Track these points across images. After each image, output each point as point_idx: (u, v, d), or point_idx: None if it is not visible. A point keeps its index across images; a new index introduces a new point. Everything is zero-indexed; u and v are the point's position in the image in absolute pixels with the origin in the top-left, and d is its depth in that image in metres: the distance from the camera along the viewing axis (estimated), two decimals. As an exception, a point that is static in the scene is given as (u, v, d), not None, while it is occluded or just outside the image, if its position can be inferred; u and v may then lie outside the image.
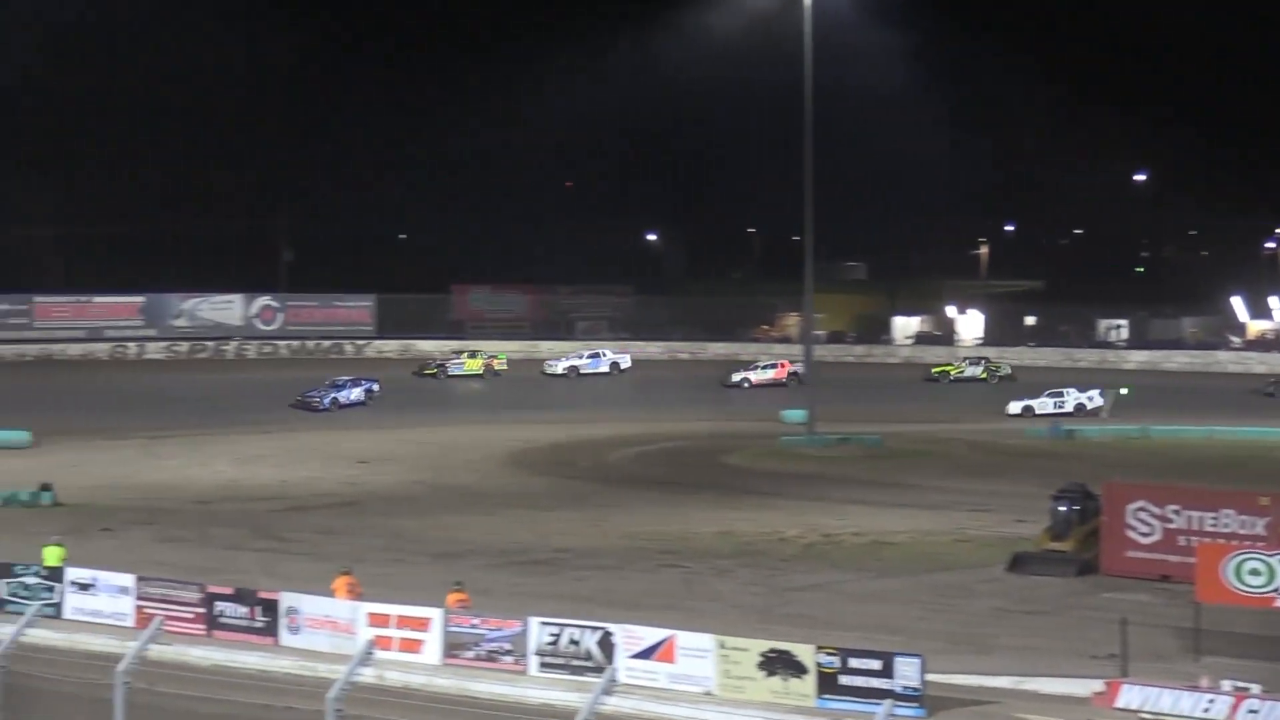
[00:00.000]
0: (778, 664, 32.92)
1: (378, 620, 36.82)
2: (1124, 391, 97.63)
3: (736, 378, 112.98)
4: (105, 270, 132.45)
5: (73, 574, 41.27)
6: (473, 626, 36.14)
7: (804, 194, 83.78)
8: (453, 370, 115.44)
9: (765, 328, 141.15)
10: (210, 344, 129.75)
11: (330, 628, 37.43)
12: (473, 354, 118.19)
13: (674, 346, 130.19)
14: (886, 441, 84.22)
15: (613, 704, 22.74)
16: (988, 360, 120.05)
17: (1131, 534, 46.65)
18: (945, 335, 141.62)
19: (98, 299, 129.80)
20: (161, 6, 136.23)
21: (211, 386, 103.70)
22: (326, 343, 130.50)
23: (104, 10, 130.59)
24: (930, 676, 32.30)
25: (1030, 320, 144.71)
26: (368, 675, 24.95)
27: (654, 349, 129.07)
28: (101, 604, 40.41)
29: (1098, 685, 33.14)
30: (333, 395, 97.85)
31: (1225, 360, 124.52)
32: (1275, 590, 36.95)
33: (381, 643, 34.83)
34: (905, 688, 31.81)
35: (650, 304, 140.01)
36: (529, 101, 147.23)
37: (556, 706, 31.82)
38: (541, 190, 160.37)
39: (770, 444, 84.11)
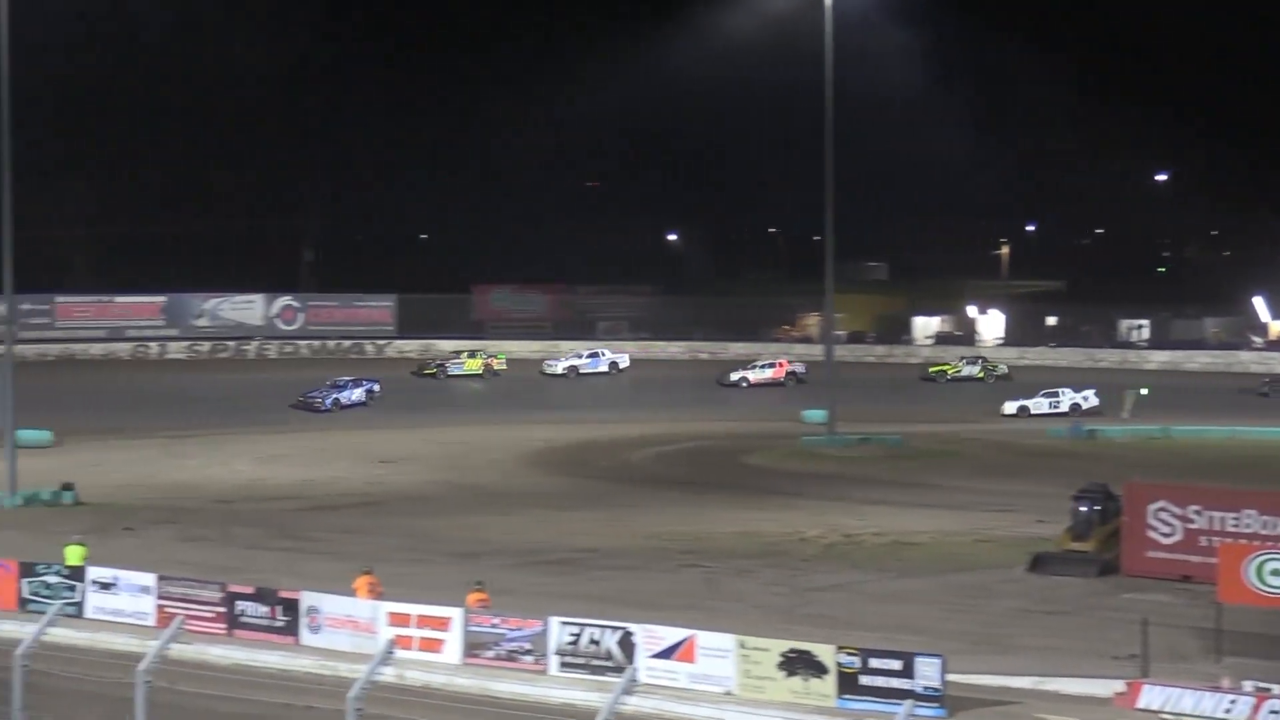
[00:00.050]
0: (798, 664, 32.92)
1: (398, 620, 36.86)
2: (1144, 392, 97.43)
3: (735, 377, 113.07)
4: (127, 270, 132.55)
5: (94, 573, 41.37)
6: (493, 626, 36.17)
7: (825, 194, 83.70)
8: (452, 370, 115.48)
9: (786, 328, 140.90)
10: (231, 344, 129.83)
11: (351, 627, 37.47)
12: (472, 354, 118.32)
13: (695, 346, 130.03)
14: (907, 441, 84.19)
15: (633, 704, 22.75)
16: (984, 359, 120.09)
17: (1153, 534, 46.56)
18: (966, 335, 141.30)
19: (119, 299, 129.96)
20: (186, 6, 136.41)
21: (232, 386, 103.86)
22: (347, 343, 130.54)
23: (129, 10, 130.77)
24: (951, 677, 32.29)
25: (1051, 320, 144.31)
26: (388, 675, 24.98)
27: (675, 349, 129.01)
28: (123, 603, 40.49)
29: (1119, 686, 33.11)
30: (334, 396, 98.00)
31: (1247, 360, 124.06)
32: (1297, 591, 36.91)
33: (402, 642, 34.89)
34: (926, 688, 31.79)
35: (671, 304, 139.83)
36: (551, 101, 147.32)
37: (577, 706, 31.86)
38: (563, 190, 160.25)
39: (791, 444, 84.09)
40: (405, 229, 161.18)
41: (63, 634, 32.61)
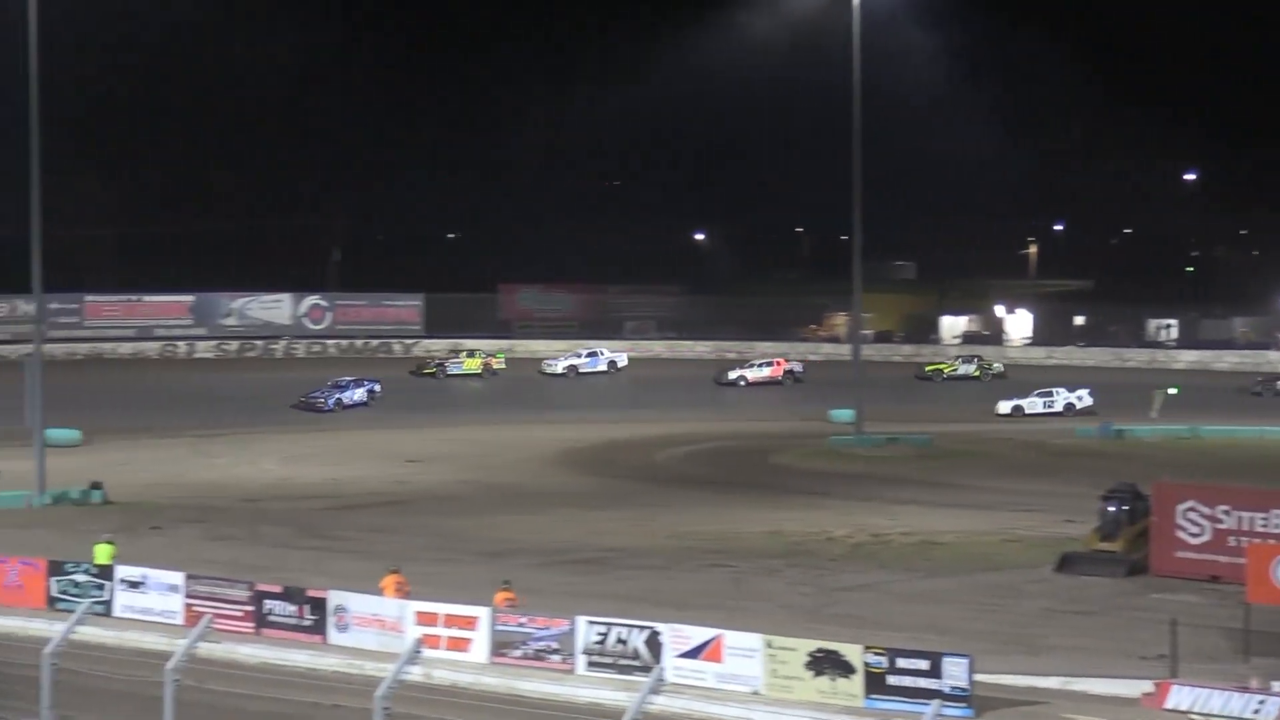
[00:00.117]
0: (825, 664, 32.87)
1: (425, 619, 36.87)
2: (1173, 391, 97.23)
3: (732, 375, 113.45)
4: (155, 269, 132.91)
5: (123, 572, 41.44)
6: (520, 625, 36.17)
7: (853, 193, 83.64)
8: (451, 369, 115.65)
9: (814, 327, 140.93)
10: (259, 343, 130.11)
11: (378, 626, 37.50)
12: (471, 353, 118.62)
13: (723, 346, 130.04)
14: (935, 441, 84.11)
15: (660, 703, 22.75)
16: (980, 358, 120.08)
17: (1181, 534, 46.42)
18: (994, 335, 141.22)
19: (148, 298, 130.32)
20: (219, 5, 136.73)
21: (260, 386, 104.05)
22: (375, 342, 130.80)
23: (157, 10, 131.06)
24: (978, 677, 32.21)
25: (1079, 320, 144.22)
26: (415, 674, 24.98)
27: (702, 348, 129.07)
28: (151, 602, 40.56)
29: (1147, 686, 33.01)
30: (336, 396, 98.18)
31: (1276, 360, 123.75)
32: (1327, 591, 36.78)
33: (429, 641, 34.91)
34: (953, 688, 31.73)
35: (699, 303, 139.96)
36: (578, 101, 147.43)
37: (604, 705, 31.82)
38: (590, 190, 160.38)
39: (818, 444, 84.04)
40: (433, 228, 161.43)
41: (91, 632, 32.67)
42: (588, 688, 34.20)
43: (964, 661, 31.99)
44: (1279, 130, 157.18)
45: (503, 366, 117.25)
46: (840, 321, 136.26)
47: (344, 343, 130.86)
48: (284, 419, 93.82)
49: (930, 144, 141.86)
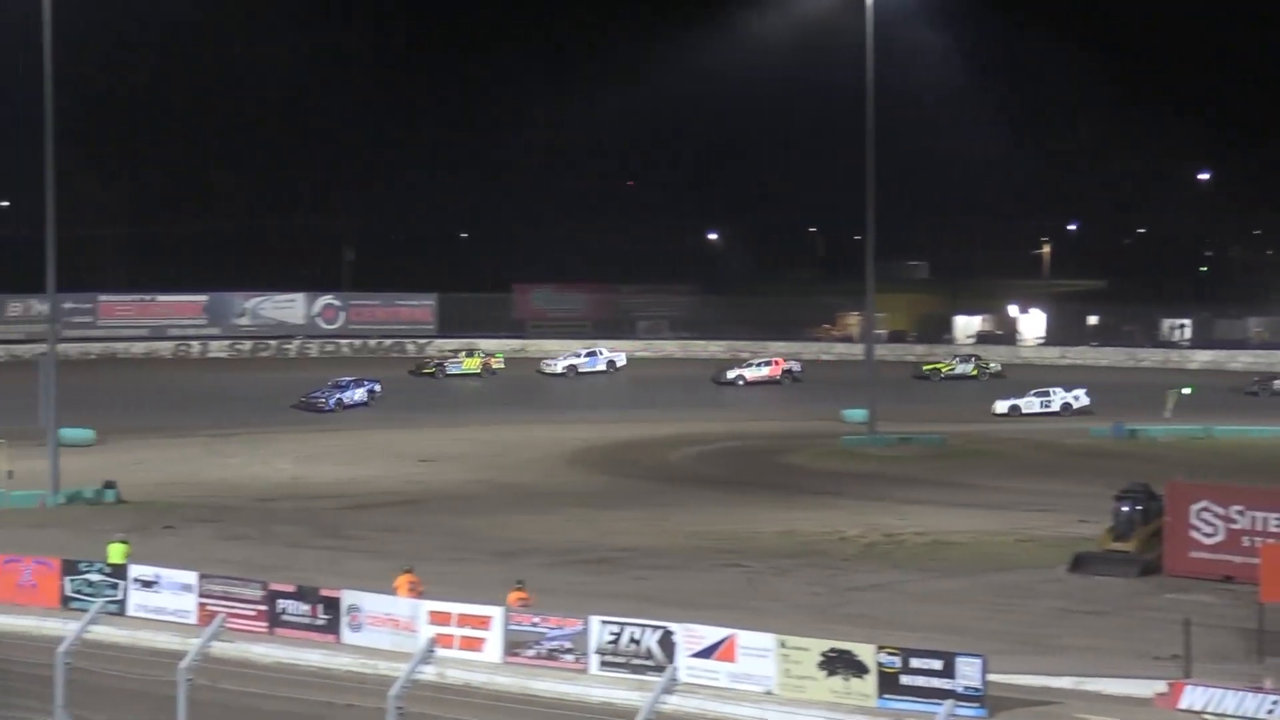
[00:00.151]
0: (839, 663, 32.88)
1: (439, 618, 36.91)
2: (1187, 391, 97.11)
3: (731, 375, 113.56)
4: (169, 269, 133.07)
5: (136, 571, 41.52)
6: (534, 625, 36.21)
7: (866, 193, 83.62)
8: (450, 369, 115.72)
9: (827, 327, 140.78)
10: (273, 343, 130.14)
11: (391, 626, 37.55)
12: (470, 353, 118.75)
13: (736, 346, 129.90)
14: (947, 441, 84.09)
15: (673, 703, 22.74)
16: (978, 357, 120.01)
17: (1195, 534, 46.40)
18: (1007, 335, 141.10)
19: (161, 298, 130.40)
20: (231, 6, 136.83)
21: (274, 385, 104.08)
22: (388, 341, 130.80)
23: (168, 10, 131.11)
24: (992, 677, 32.22)
25: (1093, 320, 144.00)
26: (429, 673, 24.95)
27: (715, 348, 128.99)
28: (165, 601, 40.65)
29: (1160, 686, 32.99)
30: (337, 396, 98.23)
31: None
32: (1340, 591, 36.73)
33: (443, 641, 34.93)
34: (967, 688, 31.74)
35: (712, 303, 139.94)
36: (592, 101, 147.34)
37: (617, 705, 31.84)
38: (604, 190, 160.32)
39: (831, 444, 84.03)
40: (446, 228, 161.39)
41: (105, 632, 32.72)
42: (601, 687, 34.23)
43: (977, 661, 31.99)
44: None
45: (501, 366, 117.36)
46: (853, 321, 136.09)
47: (357, 342, 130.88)
48: (297, 419, 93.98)
49: (943, 144, 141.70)
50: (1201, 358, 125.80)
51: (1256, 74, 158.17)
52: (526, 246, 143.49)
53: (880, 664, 32.53)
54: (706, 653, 34.34)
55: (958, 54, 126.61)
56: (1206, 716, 31.82)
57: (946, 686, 31.65)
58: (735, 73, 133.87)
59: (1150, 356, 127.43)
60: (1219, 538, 45.97)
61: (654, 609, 38.85)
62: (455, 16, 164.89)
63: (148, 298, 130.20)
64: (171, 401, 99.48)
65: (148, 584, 41.06)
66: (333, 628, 38.39)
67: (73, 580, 42.00)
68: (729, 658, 34.10)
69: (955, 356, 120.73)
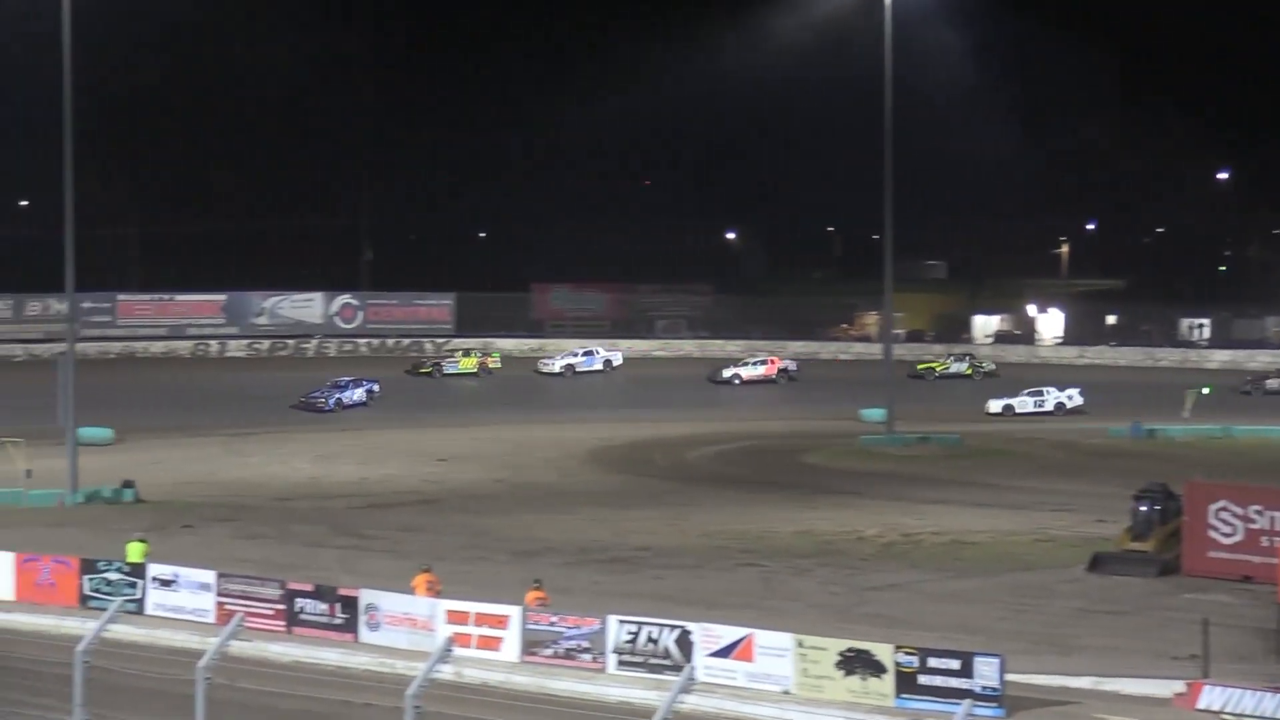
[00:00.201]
0: (856, 663, 32.88)
1: (457, 618, 36.96)
2: (1205, 391, 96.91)
3: (727, 374, 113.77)
4: (187, 269, 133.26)
5: (155, 570, 41.60)
6: (551, 624, 36.23)
7: (884, 192, 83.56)
8: (448, 369, 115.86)
9: (845, 327, 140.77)
10: (291, 342, 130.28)
11: (409, 625, 37.59)
12: (467, 352, 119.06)
13: (754, 345, 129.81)
14: (966, 440, 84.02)
15: (691, 702, 22.70)
16: (972, 356, 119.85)
17: (1213, 534, 46.34)
18: (1025, 334, 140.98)
19: (180, 297, 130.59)
20: (247, 4, 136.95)
21: (292, 384, 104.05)
22: (406, 341, 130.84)
23: (187, 7, 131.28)
24: (1010, 677, 32.19)
25: (1112, 319, 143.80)
26: (446, 672, 24.96)
27: (733, 347, 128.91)
28: (183, 600, 40.72)
29: (1179, 686, 32.95)
30: (337, 396, 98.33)
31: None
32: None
33: (460, 640, 34.96)
34: (984, 688, 31.72)
35: (730, 303, 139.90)
36: (609, 100, 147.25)
37: (634, 704, 31.85)
38: (622, 189, 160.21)
39: (849, 443, 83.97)
40: (465, 228, 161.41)
41: (123, 630, 32.77)
42: (618, 687, 34.24)
43: (995, 661, 31.98)
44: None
45: (498, 366, 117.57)
46: (871, 321, 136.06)
47: (375, 342, 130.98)
48: (313, 419, 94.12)
49: (960, 143, 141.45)
50: (1220, 357, 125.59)
51: (1276, 73, 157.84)
52: (545, 246, 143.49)
53: (898, 664, 32.52)
54: (724, 652, 34.35)
55: (975, 53, 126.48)
56: (1225, 717, 31.77)
57: (964, 686, 31.64)
58: (753, 71, 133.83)
59: (1169, 356, 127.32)
60: (1237, 538, 45.91)
61: (672, 608, 38.88)
62: (474, 16, 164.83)
63: (166, 297, 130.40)
64: (190, 401, 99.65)
65: (166, 583, 41.13)
66: (350, 627, 38.45)
67: (91, 579, 42.09)
68: (747, 657, 34.10)
69: (950, 355, 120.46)
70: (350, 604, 38.61)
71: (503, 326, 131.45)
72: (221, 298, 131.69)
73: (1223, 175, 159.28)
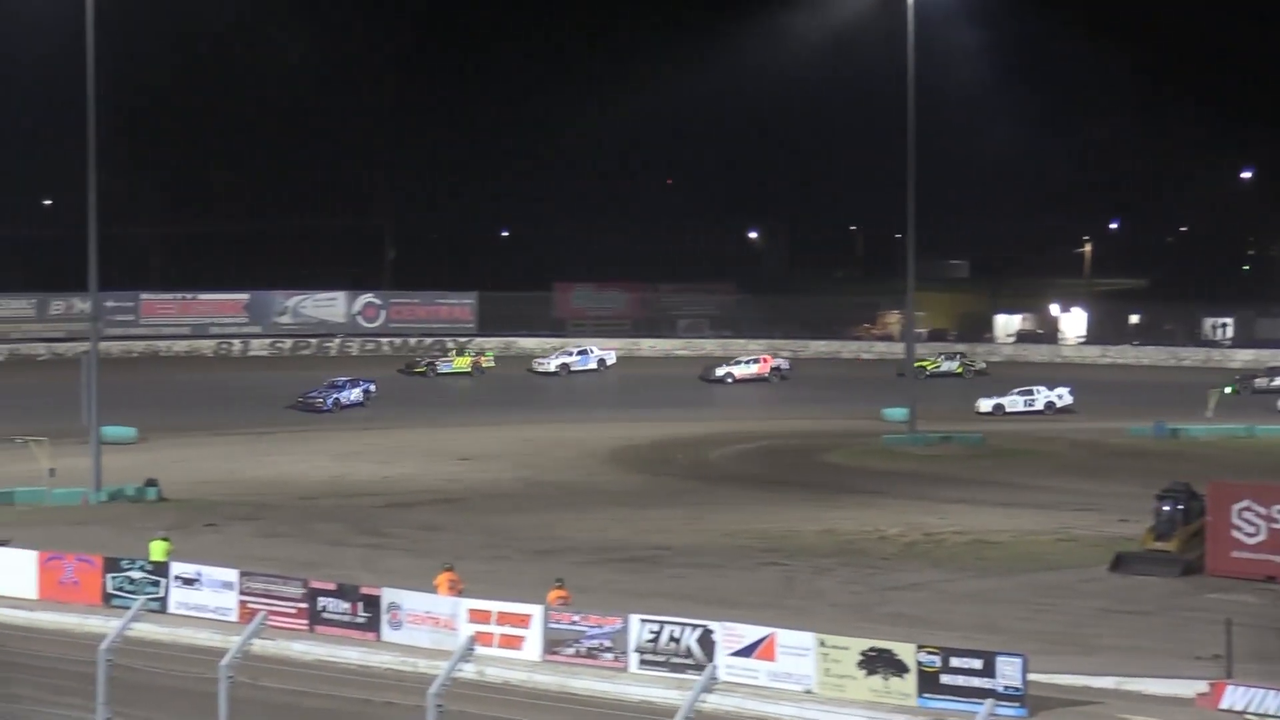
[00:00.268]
0: (878, 663, 32.86)
1: (478, 616, 36.99)
2: (1228, 390, 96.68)
3: (720, 372, 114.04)
4: (210, 268, 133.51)
5: (178, 569, 41.68)
6: (573, 623, 36.24)
7: (907, 191, 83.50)
8: (442, 368, 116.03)
9: (867, 326, 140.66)
10: (313, 341, 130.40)
11: (431, 624, 37.62)
12: (460, 351, 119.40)
13: (776, 344, 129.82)
14: (988, 440, 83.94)
15: (713, 701, 22.79)
16: (963, 355, 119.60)
17: (1237, 534, 46.23)
18: (1048, 334, 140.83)
19: (203, 296, 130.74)
20: (271, 2, 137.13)
21: (314, 383, 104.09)
22: (429, 340, 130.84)
23: (212, 6, 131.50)
24: (1032, 676, 32.16)
25: (1135, 319, 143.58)
26: (468, 671, 25.03)
27: (755, 346, 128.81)
28: (206, 598, 40.78)
29: (1202, 686, 32.88)
30: (335, 396, 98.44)
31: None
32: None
33: (482, 639, 35.00)
34: (1007, 687, 31.68)
35: (752, 302, 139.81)
36: (630, 98, 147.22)
37: (656, 704, 31.85)
38: (643, 187, 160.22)
39: (870, 443, 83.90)
40: (487, 227, 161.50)
41: (146, 629, 32.89)
42: (640, 686, 34.26)
43: (1018, 661, 31.94)
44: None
45: (491, 365, 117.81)
46: (893, 320, 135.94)
47: (398, 341, 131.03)
48: (333, 418, 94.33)
49: (984, 142, 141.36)
50: (1243, 356, 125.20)
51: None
52: (567, 245, 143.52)
53: (920, 663, 32.49)
54: (746, 651, 34.34)
55: (997, 52, 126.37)
56: (1248, 717, 31.71)
57: (987, 686, 31.61)
58: (775, 71, 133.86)
59: (1192, 355, 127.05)
60: (1261, 537, 45.79)
61: (693, 607, 38.89)
62: (498, 16, 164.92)
63: (189, 296, 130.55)
64: (212, 400, 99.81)
65: (189, 581, 41.20)
66: (373, 626, 38.49)
67: (114, 578, 42.18)
68: (768, 656, 34.09)
69: (941, 354, 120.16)
70: (372, 603, 38.65)
71: (525, 326, 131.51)
72: (244, 297, 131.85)
73: (1246, 174, 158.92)
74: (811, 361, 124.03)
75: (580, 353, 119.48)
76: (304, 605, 39.35)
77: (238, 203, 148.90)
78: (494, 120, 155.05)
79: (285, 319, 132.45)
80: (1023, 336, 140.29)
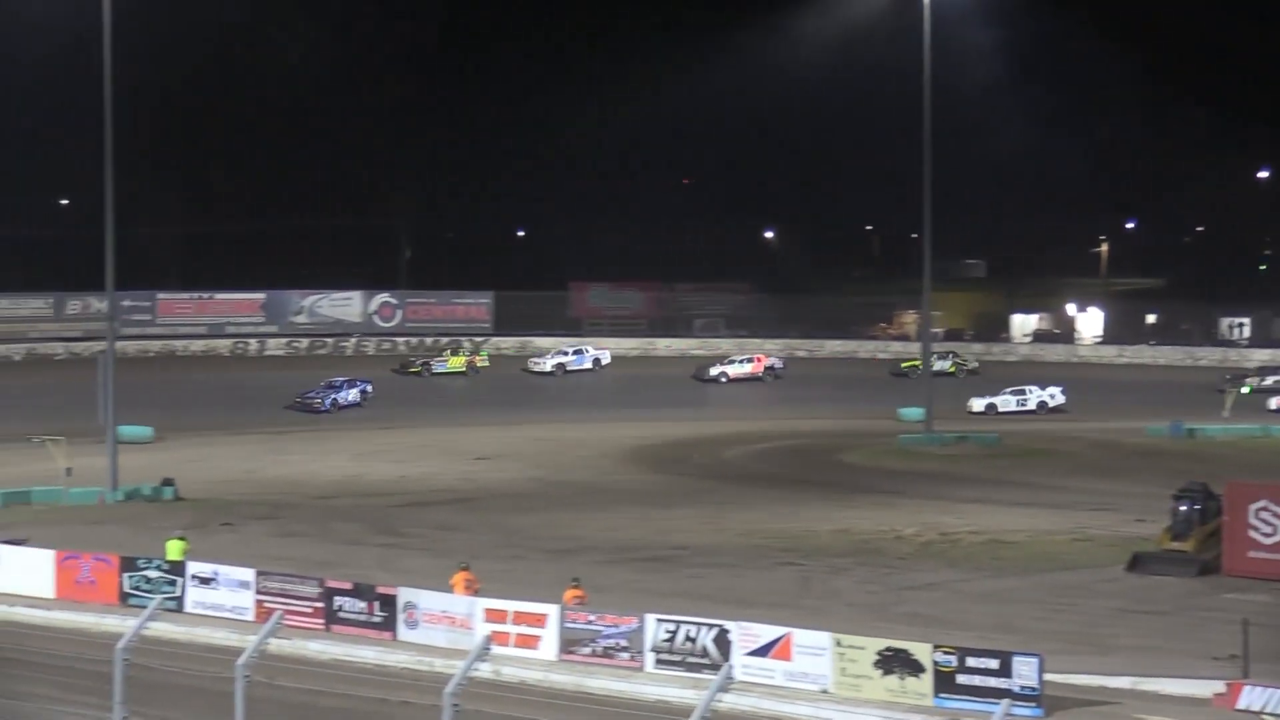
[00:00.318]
0: (894, 662, 32.84)
1: (495, 616, 37.00)
2: (1245, 390, 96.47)
3: (714, 371, 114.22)
4: (226, 267, 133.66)
5: (194, 568, 41.72)
6: (589, 623, 36.24)
7: (923, 191, 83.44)
8: (436, 368, 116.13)
9: (883, 326, 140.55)
10: (330, 340, 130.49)
11: (448, 623, 37.63)
12: (455, 351, 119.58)
13: (792, 344, 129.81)
14: (1004, 440, 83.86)
15: (729, 701, 22.76)
16: (955, 354, 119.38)
17: (1254, 534, 46.16)
18: (1064, 333, 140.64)
19: (219, 296, 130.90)
20: (285, 2, 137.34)
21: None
22: (445, 339, 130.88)
23: (231, 5, 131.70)
24: (1048, 676, 32.13)
25: (1151, 318, 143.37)
26: (484, 670, 25.03)
27: (771, 346, 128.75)
28: (222, 598, 40.82)
29: (1219, 686, 32.84)
30: (332, 397, 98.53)
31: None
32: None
33: (498, 638, 35.01)
34: (1023, 687, 31.65)
35: (768, 301, 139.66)
36: (647, 97, 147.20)
37: (672, 703, 31.85)
38: (660, 187, 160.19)
39: (887, 442, 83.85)
40: (503, 226, 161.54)
41: (163, 628, 32.90)
42: (656, 685, 34.25)
43: (1034, 661, 31.91)
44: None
45: (486, 364, 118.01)
46: (910, 320, 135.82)
47: (414, 340, 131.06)
48: (356, 415, 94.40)
49: (1000, 142, 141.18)
50: (1260, 356, 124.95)
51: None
52: (583, 245, 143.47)
53: (936, 663, 32.47)
54: (762, 651, 34.33)
55: (1014, 51, 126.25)
56: (1265, 717, 31.65)
57: (1003, 686, 31.58)
58: (792, 71, 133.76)
59: (1209, 355, 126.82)
60: (1278, 538, 45.71)
61: (710, 607, 38.88)
62: (515, 15, 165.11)
63: (205, 296, 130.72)
64: (229, 399, 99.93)
65: (205, 581, 41.25)
66: (389, 625, 38.51)
67: (131, 577, 42.24)
68: (785, 656, 34.08)
69: (934, 354, 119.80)
70: (389, 602, 38.67)
71: (541, 325, 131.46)
72: (261, 296, 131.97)
73: (1263, 174, 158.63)
74: (826, 361, 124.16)
75: (576, 352, 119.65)
76: (320, 605, 39.37)
77: (255, 203, 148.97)
78: (510, 120, 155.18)
79: (301, 318, 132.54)
80: (1039, 336, 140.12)
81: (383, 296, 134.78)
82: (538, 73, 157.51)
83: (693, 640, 35.05)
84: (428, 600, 38.40)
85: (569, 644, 36.20)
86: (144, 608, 30.58)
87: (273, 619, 26.55)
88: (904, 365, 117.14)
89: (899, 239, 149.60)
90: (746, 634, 34.64)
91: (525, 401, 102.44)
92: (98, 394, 67.93)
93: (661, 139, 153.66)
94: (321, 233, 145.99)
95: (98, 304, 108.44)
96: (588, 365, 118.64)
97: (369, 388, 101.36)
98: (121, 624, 33.27)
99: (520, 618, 36.88)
